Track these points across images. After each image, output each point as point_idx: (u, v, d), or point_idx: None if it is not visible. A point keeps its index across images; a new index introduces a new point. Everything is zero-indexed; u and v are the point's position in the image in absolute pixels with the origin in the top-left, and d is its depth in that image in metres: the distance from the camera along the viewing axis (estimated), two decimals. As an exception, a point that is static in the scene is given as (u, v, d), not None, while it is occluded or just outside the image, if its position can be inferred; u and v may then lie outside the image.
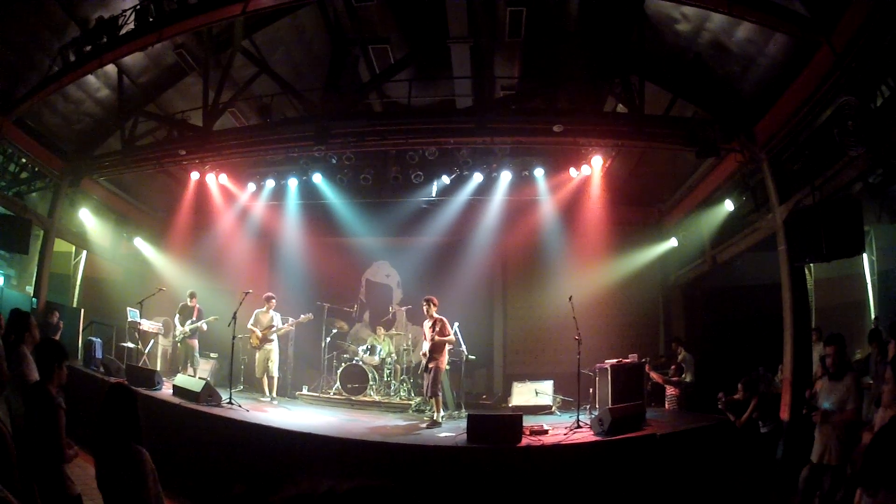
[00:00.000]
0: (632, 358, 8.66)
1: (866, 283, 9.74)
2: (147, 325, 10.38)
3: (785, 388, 7.02)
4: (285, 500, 0.89)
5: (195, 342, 9.98)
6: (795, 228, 6.87)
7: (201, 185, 11.13)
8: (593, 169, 10.16)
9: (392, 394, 10.04)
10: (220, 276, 11.73)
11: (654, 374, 8.81)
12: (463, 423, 6.85)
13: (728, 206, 9.11)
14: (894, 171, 5.83)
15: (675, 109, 8.16)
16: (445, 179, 10.84)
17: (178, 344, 10.16)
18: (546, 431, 6.76)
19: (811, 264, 8.62)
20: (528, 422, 6.95)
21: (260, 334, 9.30)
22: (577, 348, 7.46)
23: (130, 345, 10.10)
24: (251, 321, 9.39)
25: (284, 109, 9.43)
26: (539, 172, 10.58)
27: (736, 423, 6.51)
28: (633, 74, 7.95)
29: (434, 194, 11.39)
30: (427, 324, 8.19)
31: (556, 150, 10.00)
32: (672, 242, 11.17)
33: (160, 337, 11.05)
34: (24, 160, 9.75)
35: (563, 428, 6.97)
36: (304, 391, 10.44)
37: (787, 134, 6.99)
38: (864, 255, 9.30)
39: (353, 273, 12.64)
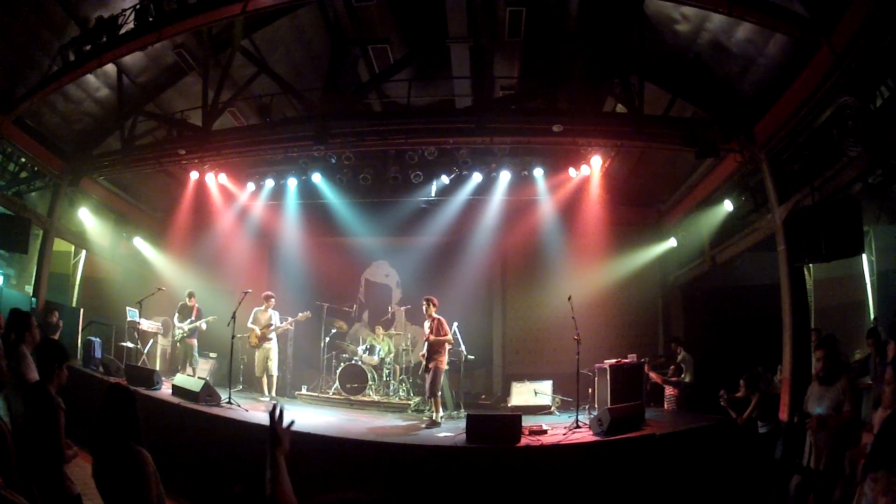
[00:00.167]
0: (631, 358, 8.67)
1: (866, 284, 9.74)
2: (146, 324, 10.38)
3: (784, 388, 7.02)
4: None
5: (194, 342, 10.00)
6: (795, 229, 6.88)
7: (201, 184, 11.11)
8: (593, 169, 10.15)
9: (391, 394, 10.05)
10: (220, 276, 11.73)
11: (653, 375, 8.81)
12: (462, 423, 6.85)
13: (727, 206, 9.11)
14: (894, 172, 5.83)
15: (674, 110, 8.15)
16: (445, 179, 10.83)
17: (178, 343, 10.17)
18: (545, 431, 6.77)
19: (810, 265, 8.61)
20: (528, 422, 6.96)
21: (259, 333, 9.30)
22: (577, 348, 7.47)
23: (130, 344, 10.10)
24: (250, 320, 9.40)
25: (284, 109, 9.42)
26: (538, 172, 10.58)
27: (738, 420, 6.51)
28: (633, 74, 7.95)
29: (433, 194, 11.38)
30: (427, 324, 8.19)
31: (555, 150, 9.99)
32: (671, 242, 11.17)
33: (159, 337, 11.06)
34: (23, 160, 9.74)
35: (562, 428, 6.98)
36: (304, 391, 10.45)
37: (787, 134, 6.99)
38: (864, 256, 9.29)
39: (353, 273, 12.64)
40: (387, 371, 10.27)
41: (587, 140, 8.51)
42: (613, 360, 8.35)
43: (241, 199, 11.72)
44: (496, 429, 6.40)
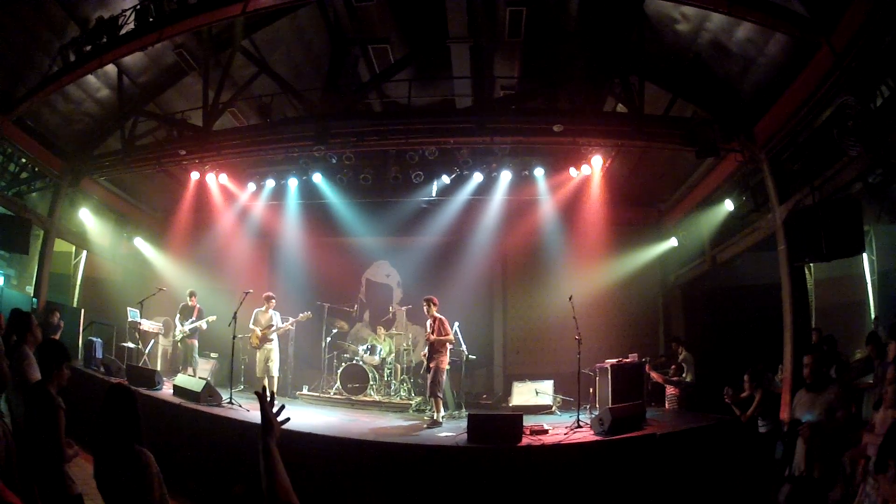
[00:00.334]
0: (632, 358, 8.68)
1: (866, 283, 9.75)
2: (147, 324, 10.39)
3: (785, 388, 7.02)
4: None
5: (195, 342, 10.00)
6: (795, 228, 6.88)
7: (201, 184, 11.10)
8: (593, 169, 10.15)
9: (392, 393, 10.05)
10: (221, 276, 11.74)
11: (654, 374, 8.81)
12: (463, 423, 6.85)
13: (728, 205, 9.11)
14: (894, 171, 5.82)
15: (674, 109, 8.16)
16: (445, 179, 10.83)
17: (179, 344, 10.17)
18: (546, 431, 6.77)
19: (811, 264, 8.62)
20: (529, 421, 6.97)
21: (260, 334, 9.30)
22: (578, 348, 7.47)
23: (131, 345, 10.10)
24: (251, 321, 9.40)
25: (284, 109, 9.42)
26: (539, 172, 10.58)
27: (741, 417, 6.50)
28: (633, 74, 7.95)
29: (434, 194, 11.39)
30: (428, 323, 8.20)
31: (556, 149, 9.99)
32: (672, 242, 11.17)
33: (160, 337, 11.06)
34: (24, 160, 9.73)
35: (563, 427, 6.99)
36: (305, 391, 10.45)
37: (787, 134, 6.99)
38: (864, 255, 9.31)
39: (354, 273, 12.65)
40: (388, 371, 10.27)
41: (587, 140, 8.52)
42: (614, 360, 8.36)
43: (242, 200, 11.72)
44: (497, 428, 6.40)
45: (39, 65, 8.42)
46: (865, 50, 5.47)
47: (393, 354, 10.40)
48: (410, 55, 9.49)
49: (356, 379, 9.79)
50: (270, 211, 12.05)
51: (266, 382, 9.23)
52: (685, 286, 11.48)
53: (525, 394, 9.52)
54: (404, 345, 10.70)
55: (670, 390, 8.78)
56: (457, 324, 8.91)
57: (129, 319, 10.25)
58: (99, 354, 9.24)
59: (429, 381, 8.02)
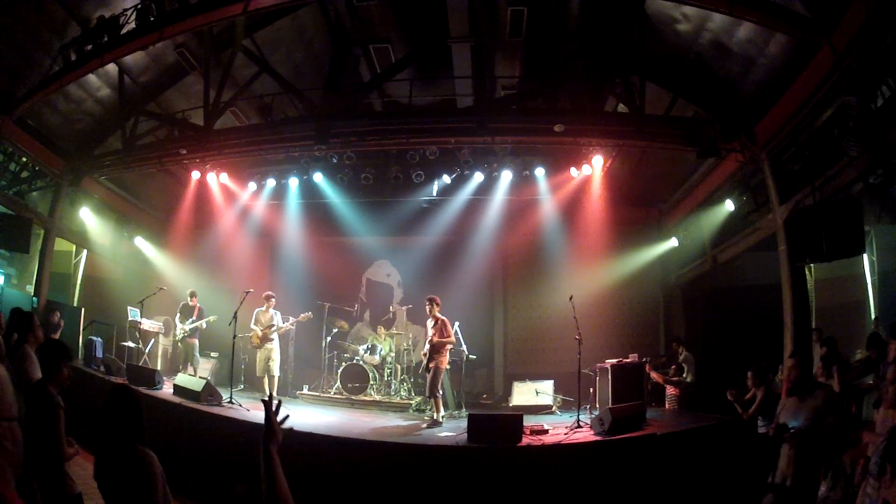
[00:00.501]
0: (632, 358, 8.67)
1: (867, 284, 9.74)
2: (147, 324, 10.40)
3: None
4: None
5: (195, 341, 10.00)
6: (796, 228, 6.87)
7: (202, 184, 11.11)
8: (594, 169, 10.15)
9: (392, 393, 10.05)
10: (221, 276, 11.74)
11: (654, 374, 8.80)
12: (463, 423, 6.85)
13: (728, 206, 9.11)
14: (894, 172, 5.82)
15: (675, 109, 8.16)
16: (446, 179, 10.84)
17: (179, 343, 10.17)
18: (546, 431, 6.77)
19: (811, 264, 8.60)
20: (529, 421, 6.96)
21: (260, 333, 9.30)
22: (578, 348, 7.46)
23: (131, 344, 10.11)
24: (252, 321, 9.39)
25: (285, 109, 9.43)
26: (540, 172, 10.58)
27: (743, 415, 6.49)
28: (634, 74, 7.95)
29: (435, 194, 11.40)
30: (430, 323, 8.20)
31: (556, 149, 9.99)
32: (672, 242, 11.17)
33: (161, 336, 11.07)
34: (24, 159, 9.74)
35: (563, 427, 6.98)
36: (305, 390, 10.46)
37: (788, 134, 6.99)
38: (865, 256, 9.31)
39: (354, 272, 12.65)
40: (388, 371, 10.27)
41: (588, 140, 8.52)
42: (615, 360, 8.35)
43: (243, 199, 11.73)
44: (497, 428, 6.39)
45: (40, 64, 8.42)
46: (866, 50, 5.47)
47: (393, 354, 10.40)
48: (411, 55, 9.49)
49: (356, 378, 9.79)
50: (271, 210, 12.05)
51: (266, 382, 9.24)
52: (686, 286, 11.47)
53: (525, 394, 9.52)
54: (405, 344, 10.70)
55: (670, 390, 8.77)
56: (457, 323, 8.91)
57: (130, 319, 10.26)
58: (99, 354, 9.25)
59: (428, 381, 8.02)
